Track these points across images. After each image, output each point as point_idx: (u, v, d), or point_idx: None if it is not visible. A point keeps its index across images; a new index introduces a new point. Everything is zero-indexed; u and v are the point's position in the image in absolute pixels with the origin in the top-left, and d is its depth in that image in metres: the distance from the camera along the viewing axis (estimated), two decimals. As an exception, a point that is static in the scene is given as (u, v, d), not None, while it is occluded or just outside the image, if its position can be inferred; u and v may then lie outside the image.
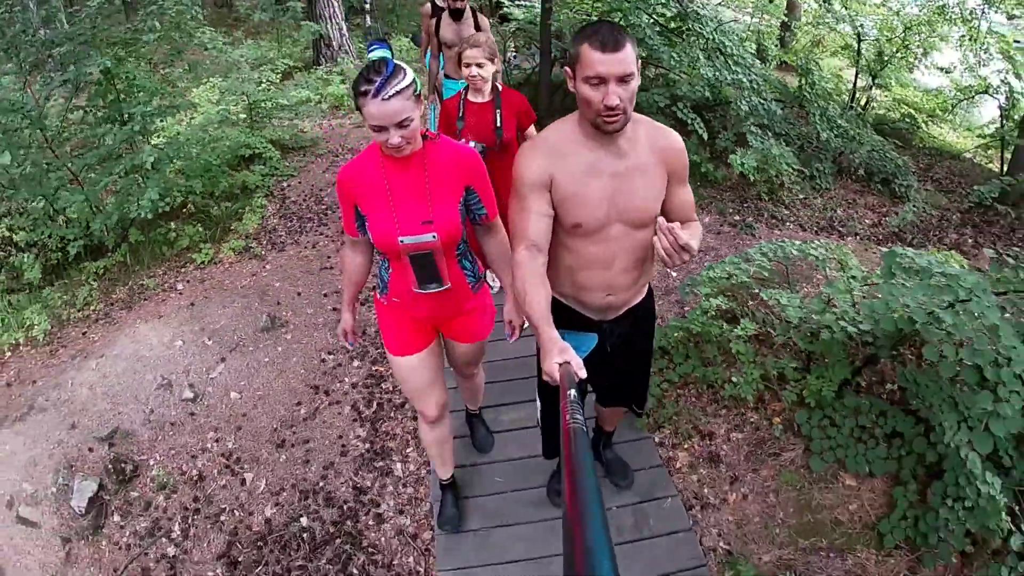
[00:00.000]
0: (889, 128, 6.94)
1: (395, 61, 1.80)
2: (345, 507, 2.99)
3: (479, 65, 3.02)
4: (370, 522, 2.92)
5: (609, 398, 2.45)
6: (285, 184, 5.68)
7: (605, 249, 1.86)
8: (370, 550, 2.81)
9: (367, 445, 3.27)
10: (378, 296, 2.27)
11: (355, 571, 2.74)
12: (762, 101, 4.98)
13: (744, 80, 4.94)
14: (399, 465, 3.17)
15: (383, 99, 1.72)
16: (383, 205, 1.96)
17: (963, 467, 2.31)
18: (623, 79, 1.60)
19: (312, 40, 8.15)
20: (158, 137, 5.12)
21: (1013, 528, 2.29)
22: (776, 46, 8.48)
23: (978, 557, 2.47)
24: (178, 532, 2.96)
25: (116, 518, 3.02)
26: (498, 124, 3.18)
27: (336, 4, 8.15)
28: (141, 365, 3.66)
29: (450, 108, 3.25)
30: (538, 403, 2.31)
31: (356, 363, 3.77)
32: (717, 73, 4.92)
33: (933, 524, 2.42)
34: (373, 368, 3.71)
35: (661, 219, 1.59)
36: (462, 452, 3.04)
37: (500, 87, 3.20)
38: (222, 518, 3.00)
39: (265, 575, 2.77)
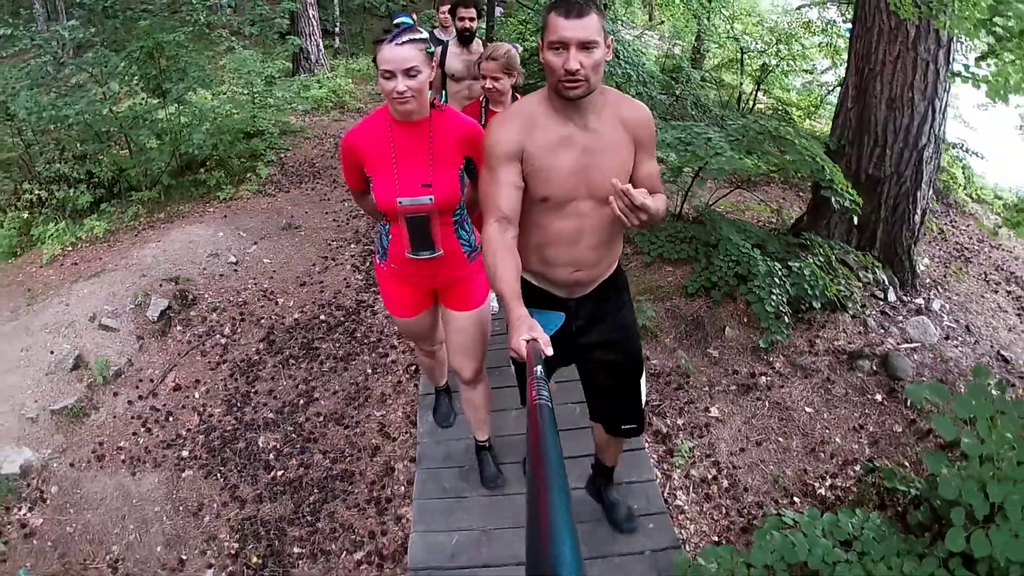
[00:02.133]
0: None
1: (415, 26, 1.96)
2: (350, 308, 4.39)
3: (495, 79, 2.98)
4: (367, 315, 4.32)
5: (596, 408, 2.27)
6: (283, 155, 7.15)
7: (573, 224, 1.86)
8: (367, 324, 4.21)
9: (363, 282, 4.69)
10: (379, 262, 2.37)
11: (358, 336, 4.12)
12: (647, 90, 6.74)
13: (633, 75, 6.70)
14: (379, 302, 4.58)
15: (397, 44, 1.86)
16: (386, 167, 2.06)
17: (729, 241, 3.91)
18: (585, 45, 1.62)
19: (293, 53, 9.68)
20: (192, 104, 6.54)
21: (762, 265, 3.89)
22: (689, 65, 10.30)
23: (743, 287, 4.07)
24: (228, 330, 4.26)
25: (179, 328, 4.28)
26: None
27: (315, 23, 9.80)
28: (192, 245, 5.01)
29: (471, 115, 3.23)
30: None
31: (352, 246, 5.20)
32: (610, 68, 6.64)
33: (716, 277, 4.01)
34: (366, 247, 5.13)
35: (615, 180, 1.60)
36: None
37: (519, 97, 3.13)
38: (262, 321, 4.33)
39: (294, 345, 4.11)
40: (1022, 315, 5.21)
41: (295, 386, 3.77)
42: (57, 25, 6.54)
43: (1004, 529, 1.82)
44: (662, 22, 12.42)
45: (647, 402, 2.26)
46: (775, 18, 9.32)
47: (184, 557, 2.86)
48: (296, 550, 2.84)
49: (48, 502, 3.14)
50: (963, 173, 7.40)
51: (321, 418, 3.54)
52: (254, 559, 2.81)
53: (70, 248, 5.22)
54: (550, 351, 1.39)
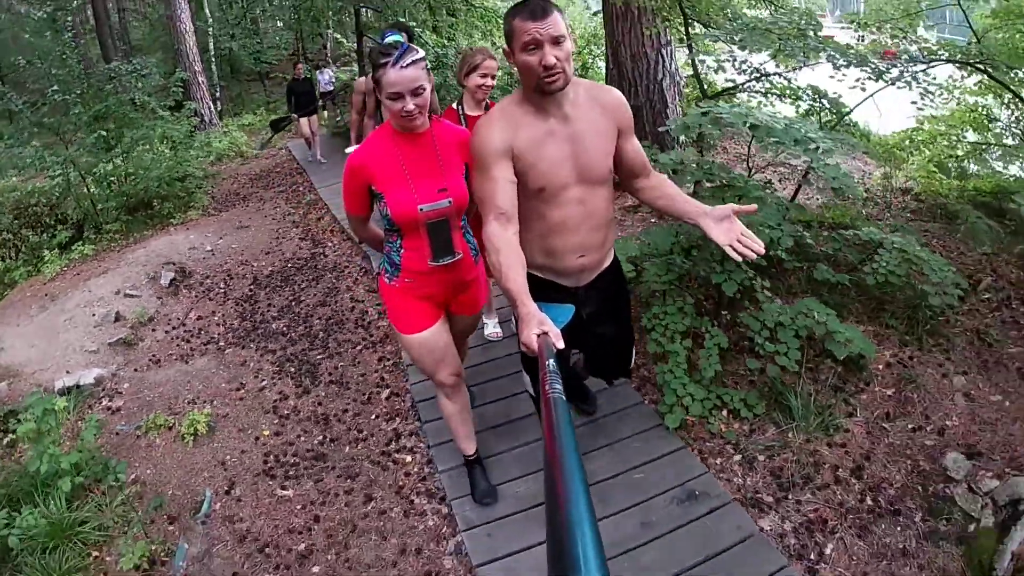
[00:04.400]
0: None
1: (406, 44, 2.00)
2: (307, 258, 6.14)
3: (493, 76, 3.03)
4: (321, 258, 6.08)
5: (597, 369, 2.46)
6: (210, 190, 8.76)
7: (571, 211, 1.94)
8: (323, 262, 5.97)
9: (311, 246, 6.44)
10: (386, 281, 2.34)
11: (319, 267, 5.86)
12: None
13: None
14: (329, 246, 6.34)
15: (401, 67, 1.92)
16: (399, 179, 2.09)
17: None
18: (556, 40, 1.71)
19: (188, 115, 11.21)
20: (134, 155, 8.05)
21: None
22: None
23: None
24: (223, 285, 5.87)
25: (185, 290, 5.86)
26: None
27: (205, 88, 11.48)
28: (173, 244, 6.58)
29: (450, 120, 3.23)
30: (526, 376, 2.44)
31: (294, 230, 6.93)
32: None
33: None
34: (308, 232, 6.86)
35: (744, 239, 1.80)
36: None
37: (488, 102, 3.21)
38: (246, 275, 5.98)
39: (276, 281, 5.78)
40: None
41: (285, 299, 5.45)
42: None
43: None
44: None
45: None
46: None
47: (244, 382, 4.44)
48: (318, 357, 4.52)
49: (123, 392, 4.59)
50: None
51: (310, 306, 5.24)
52: (291, 369, 4.47)
53: (67, 267, 6.60)
54: (561, 344, 1.40)
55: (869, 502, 2.80)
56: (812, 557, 2.60)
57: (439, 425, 3.36)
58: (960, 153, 6.59)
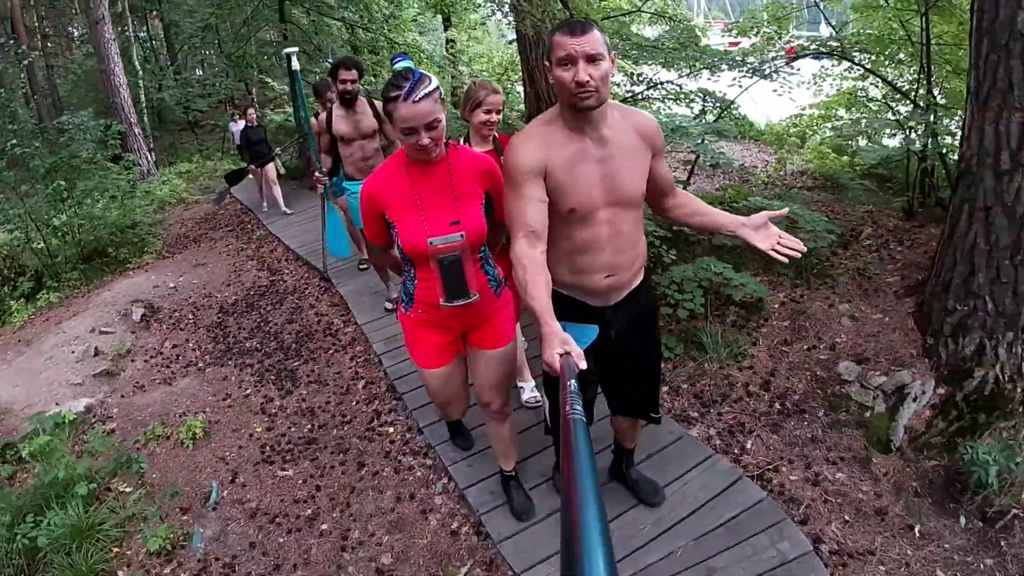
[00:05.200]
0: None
1: (419, 70, 1.92)
2: (268, 285, 6.56)
3: (498, 111, 2.93)
4: (281, 284, 6.50)
5: (621, 403, 2.46)
6: (159, 236, 9.04)
7: (600, 231, 1.93)
8: (283, 286, 6.40)
9: (269, 275, 6.86)
10: (403, 311, 2.33)
11: (280, 291, 6.29)
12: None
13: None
14: (286, 273, 6.78)
15: (413, 101, 1.85)
16: (411, 210, 2.04)
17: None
18: (592, 58, 1.71)
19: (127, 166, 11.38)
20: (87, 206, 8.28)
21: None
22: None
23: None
24: (190, 316, 6.23)
25: (156, 324, 6.19)
26: None
27: (141, 139, 11.69)
28: (136, 285, 6.88)
29: None
30: (545, 402, 2.43)
31: (251, 263, 7.32)
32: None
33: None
34: (264, 263, 7.27)
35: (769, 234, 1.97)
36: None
37: (496, 135, 3.11)
38: (212, 305, 6.34)
39: (241, 308, 6.18)
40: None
41: (254, 321, 5.86)
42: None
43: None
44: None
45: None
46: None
47: (229, 393, 4.83)
48: (295, 364, 4.96)
49: (114, 416, 4.91)
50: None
51: (278, 324, 5.67)
52: (271, 377, 4.89)
53: (35, 315, 6.83)
54: (583, 364, 1.39)
55: (778, 407, 3.46)
56: (736, 451, 3.23)
57: (416, 394, 3.90)
58: (845, 133, 7.53)
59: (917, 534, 2.79)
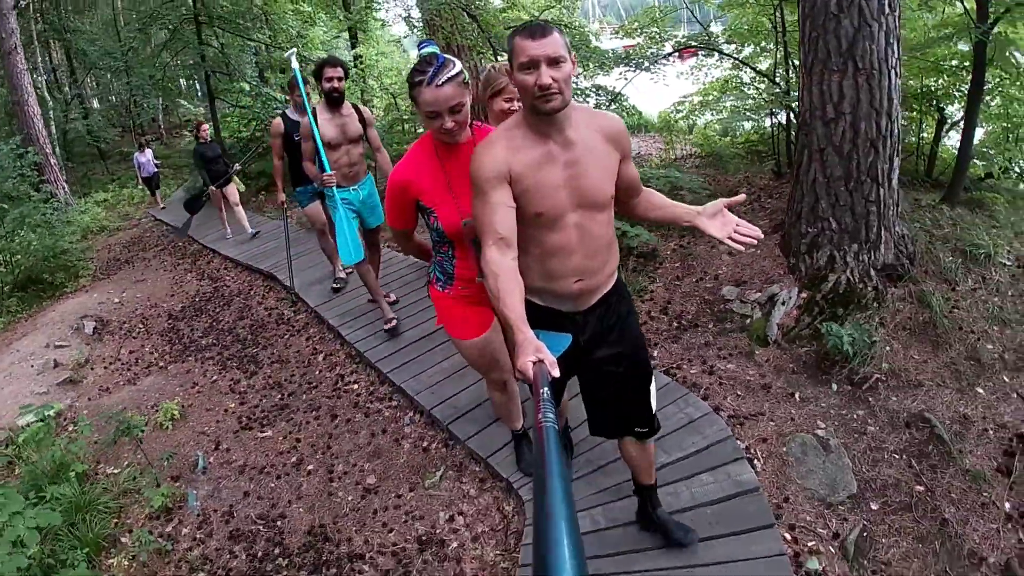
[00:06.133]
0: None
1: (443, 55, 1.95)
2: (212, 292, 6.95)
3: (519, 100, 2.51)
4: (224, 289, 6.90)
5: (603, 420, 2.34)
6: (90, 260, 9.17)
7: (569, 235, 1.91)
8: (227, 290, 6.80)
9: (211, 283, 7.24)
10: (438, 290, 2.42)
11: (226, 295, 6.69)
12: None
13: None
14: (228, 279, 7.17)
15: (437, 86, 1.89)
16: (444, 193, 2.11)
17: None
18: (554, 61, 1.70)
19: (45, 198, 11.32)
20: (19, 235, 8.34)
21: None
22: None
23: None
24: (141, 326, 6.54)
25: (109, 335, 6.47)
26: None
27: (57, 170, 11.63)
28: (81, 304, 7.11)
29: None
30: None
31: (190, 275, 7.66)
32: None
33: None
34: (204, 273, 7.60)
35: (724, 225, 1.97)
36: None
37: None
38: (160, 314, 6.68)
39: (191, 313, 6.54)
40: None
41: (205, 323, 6.26)
42: None
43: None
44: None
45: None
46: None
47: (196, 382, 5.23)
48: (254, 350, 5.42)
49: (87, 415, 5.21)
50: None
51: (230, 322, 6.10)
52: (234, 364, 5.34)
53: (-21, 342, 6.93)
54: (556, 372, 1.40)
55: (675, 325, 4.26)
56: (644, 362, 3.99)
57: (379, 349, 4.50)
58: (725, 116, 8.56)
59: (798, 398, 3.62)
